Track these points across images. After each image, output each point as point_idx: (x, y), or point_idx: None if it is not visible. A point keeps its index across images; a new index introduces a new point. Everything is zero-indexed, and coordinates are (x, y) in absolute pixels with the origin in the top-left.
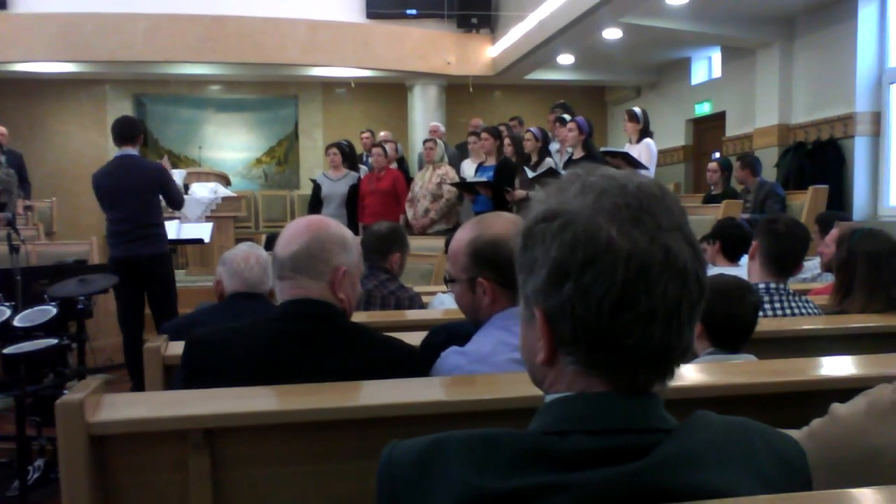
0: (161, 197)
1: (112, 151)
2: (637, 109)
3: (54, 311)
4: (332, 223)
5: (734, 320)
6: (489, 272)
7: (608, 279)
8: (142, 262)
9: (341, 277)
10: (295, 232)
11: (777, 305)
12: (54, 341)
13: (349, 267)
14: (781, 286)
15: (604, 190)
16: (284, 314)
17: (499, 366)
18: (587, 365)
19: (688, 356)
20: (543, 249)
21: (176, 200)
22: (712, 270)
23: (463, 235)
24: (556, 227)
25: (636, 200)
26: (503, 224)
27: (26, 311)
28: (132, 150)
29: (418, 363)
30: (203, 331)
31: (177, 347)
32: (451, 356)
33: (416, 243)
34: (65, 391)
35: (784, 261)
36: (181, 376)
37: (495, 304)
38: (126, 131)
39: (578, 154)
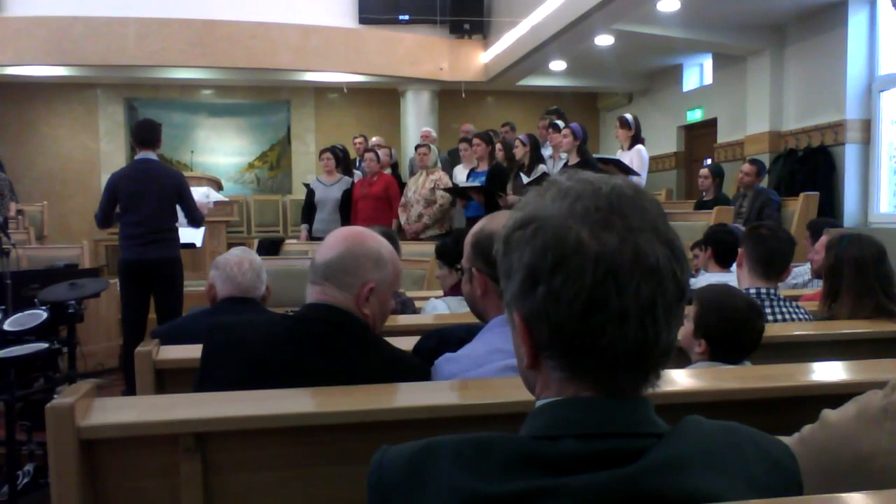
0: (179, 210)
1: (103, 155)
2: (628, 116)
3: (45, 315)
4: (370, 237)
5: (739, 343)
6: (481, 263)
7: (577, 281)
8: (154, 265)
9: (367, 293)
10: (334, 241)
11: (768, 311)
12: (45, 345)
13: (378, 284)
14: (772, 290)
15: (578, 194)
16: (302, 315)
17: (492, 373)
18: (571, 370)
19: (670, 358)
20: (518, 255)
21: (196, 218)
22: (704, 277)
23: (474, 228)
24: (530, 232)
25: (607, 203)
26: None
27: (17, 315)
28: (152, 155)
29: (424, 380)
30: (223, 319)
31: (168, 352)
32: (445, 365)
33: (408, 248)
34: (55, 395)
35: (771, 262)
36: (201, 360)
37: (486, 296)
38: (147, 135)
39: (573, 160)
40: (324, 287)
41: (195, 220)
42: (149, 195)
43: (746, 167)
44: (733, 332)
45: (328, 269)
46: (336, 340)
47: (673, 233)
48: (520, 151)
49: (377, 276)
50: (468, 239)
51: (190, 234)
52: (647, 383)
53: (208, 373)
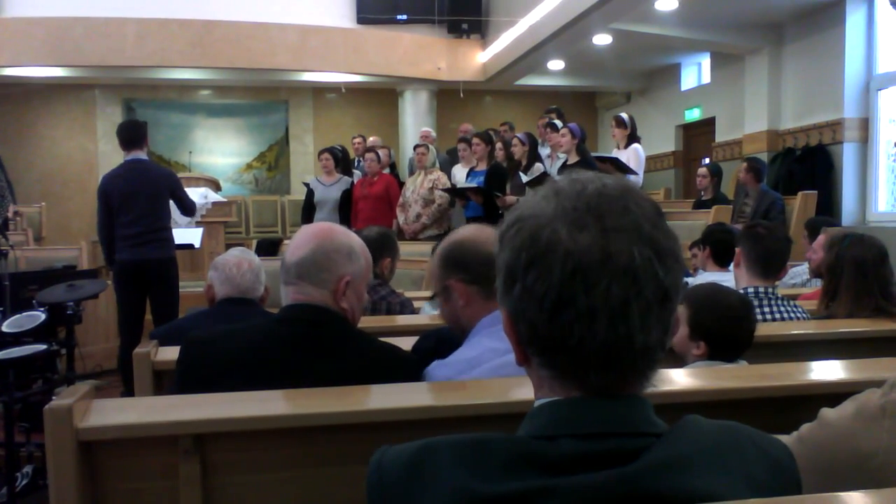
0: (172, 202)
1: (101, 156)
2: (624, 115)
3: (43, 316)
4: (339, 231)
5: (737, 340)
6: (458, 272)
7: (546, 279)
8: (150, 265)
9: (344, 287)
10: (303, 239)
11: (766, 310)
12: (43, 347)
13: (353, 276)
14: (770, 290)
15: (565, 194)
16: (283, 317)
17: (487, 374)
18: (553, 368)
19: (656, 360)
20: (502, 253)
21: (189, 207)
22: (703, 276)
23: (439, 248)
24: (514, 231)
25: (585, 203)
26: (471, 230)
27: (15, 317)
28: (141, 154)
29: (414, 371)
30: (201, 332)
31: (167, 353)
32: (436, 370)
33: (407, 248)
34: (53, 397)
35: (768, 261)
36: (176, 376)
37: (470, 306)
38: (133, 135)
39: (573, 159)
40: (299, 286)
41: (188, 210)
42: (142, 195)
43: (742, 166)
44: (731, 329)
45: (301, 267)
46: (322, 338)
47: (663, 234)
48: (518, 150)
49: (351, 268)
50: (435, 261)
51: (188, 235)
52: (625, 384)
53: (188, 387)
